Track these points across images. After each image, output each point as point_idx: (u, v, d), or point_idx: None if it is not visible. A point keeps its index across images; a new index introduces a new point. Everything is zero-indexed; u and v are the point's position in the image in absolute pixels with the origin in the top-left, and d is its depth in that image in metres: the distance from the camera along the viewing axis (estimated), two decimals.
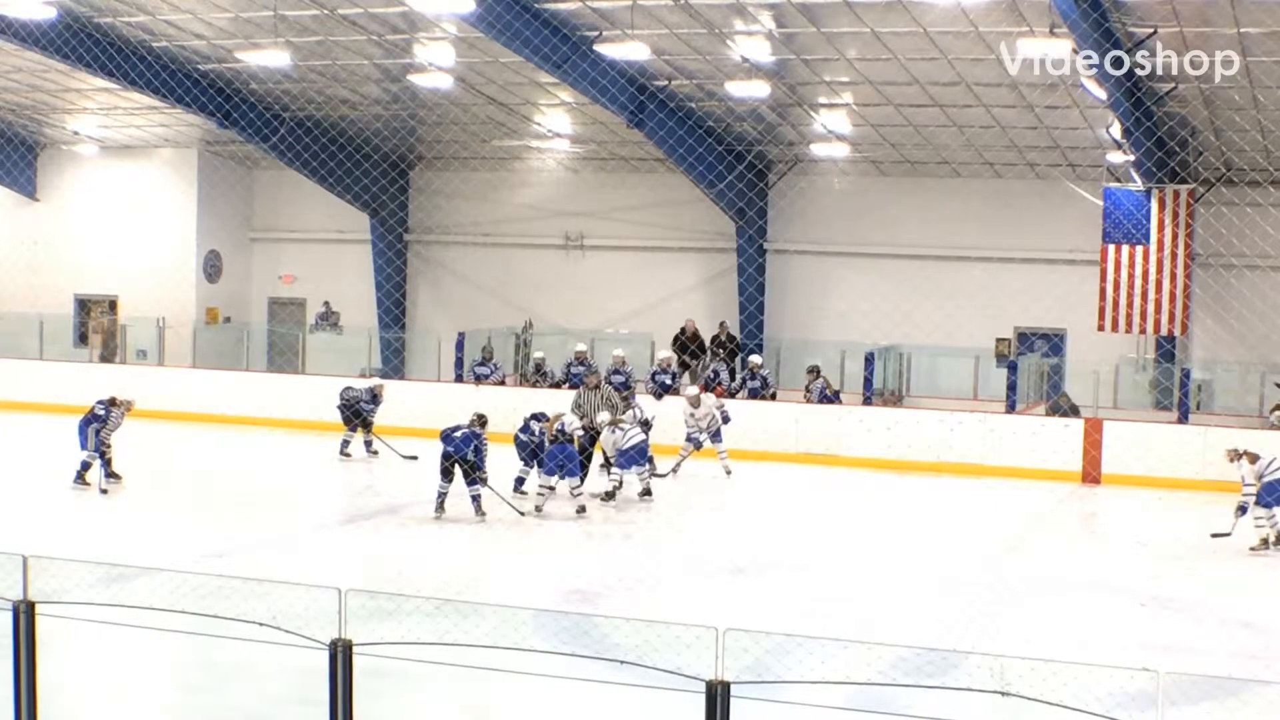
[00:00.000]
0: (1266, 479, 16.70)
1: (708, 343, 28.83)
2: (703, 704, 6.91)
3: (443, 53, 26.14)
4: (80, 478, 18.85)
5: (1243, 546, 16.82)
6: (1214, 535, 17.20)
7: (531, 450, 18.70)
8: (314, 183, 33.10)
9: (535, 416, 18.89)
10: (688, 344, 28.94)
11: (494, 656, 8.00)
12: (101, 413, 18.93)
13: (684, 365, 27.58)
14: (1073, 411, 24.92)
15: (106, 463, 18.86)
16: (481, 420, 17.83)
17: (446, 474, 17.44)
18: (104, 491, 18.60)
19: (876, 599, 14.21)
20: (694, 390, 22.20)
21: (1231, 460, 17.10)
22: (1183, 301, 27.09)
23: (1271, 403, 26.07)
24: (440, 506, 17.49)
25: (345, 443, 22.77)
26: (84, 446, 18.90)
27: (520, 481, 18.82)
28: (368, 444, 22.90)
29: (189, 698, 10.49)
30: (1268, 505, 16.74)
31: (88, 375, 27.90)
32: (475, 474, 17.36)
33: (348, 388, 23.12)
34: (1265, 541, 16.73)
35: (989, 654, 9.57)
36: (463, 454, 17.28)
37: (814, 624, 12.11)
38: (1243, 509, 16.85)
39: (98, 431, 18.78)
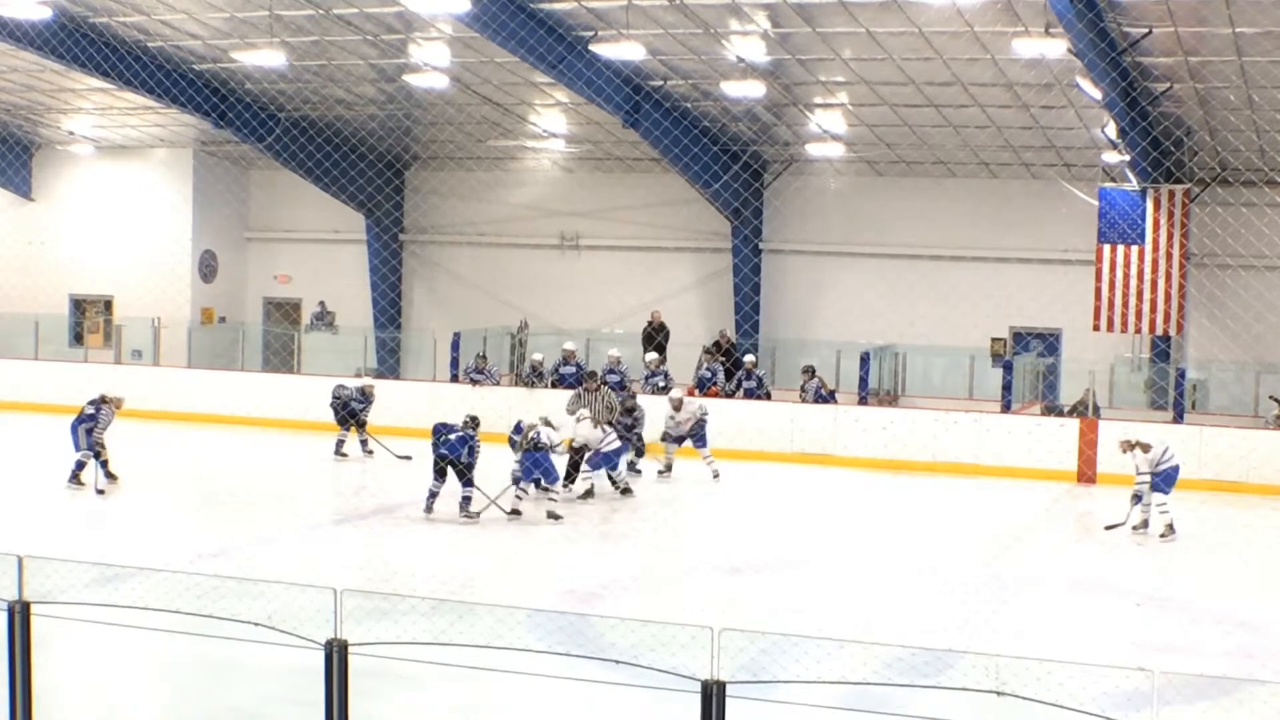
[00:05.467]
0: (1163, 467, 17.38)
1: (705, 348, 28.83)
2: (698, 704, 6.92)
3: (438, 53, 26.16)
4: (75, 478, 18.83)
5: (1242, 546, 16.88)
6: (1108, 528, 17.62)
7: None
8: (309, 183, 33.11)
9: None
10: (654, 334, 29.06)
11: (489, 656, 7.99)
12: (92, 412, 18.92)
13: (659, 349, 27.71)
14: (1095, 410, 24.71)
15: (103, 463, 18.84)
16: (474, 422, 17.79)
17: (440, 474, 17.45)
18: (100, 491, 18.57)
19: (872, 599, 14.21)
20: (678, 393, 22.26)
21: (1125, 451, 17.59)
22: (1178, 301, 27.10)
23: (1267, 402, 26.10)
24: (430, 507, 17.48)
25: (340, 442, 22.78)
26: (77, 447, 18.88)
27: (517, 481, 18.82)
28: (363, 443, 22.91)
29: (184, 697, 10.49)
30: (1165, 491, 17.36)
31: (83, 375, 27.88)
32: (469, 474, 17.36)
33: (339, 386, 23.16)
34: (1168, 527, 17.23)
35: (984, 653, 9.57)
36: (457, 455, 17.29)
37: (809, 624, 12.11)
38: (1137, 497, 17.43)
39: (89, 431, 18.76)
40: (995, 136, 27.64)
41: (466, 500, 17.36)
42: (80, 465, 18.87)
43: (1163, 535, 17.24)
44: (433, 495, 17.53)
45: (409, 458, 21.53)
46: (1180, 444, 21.78)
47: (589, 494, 19.13)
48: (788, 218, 31.91)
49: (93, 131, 34.61)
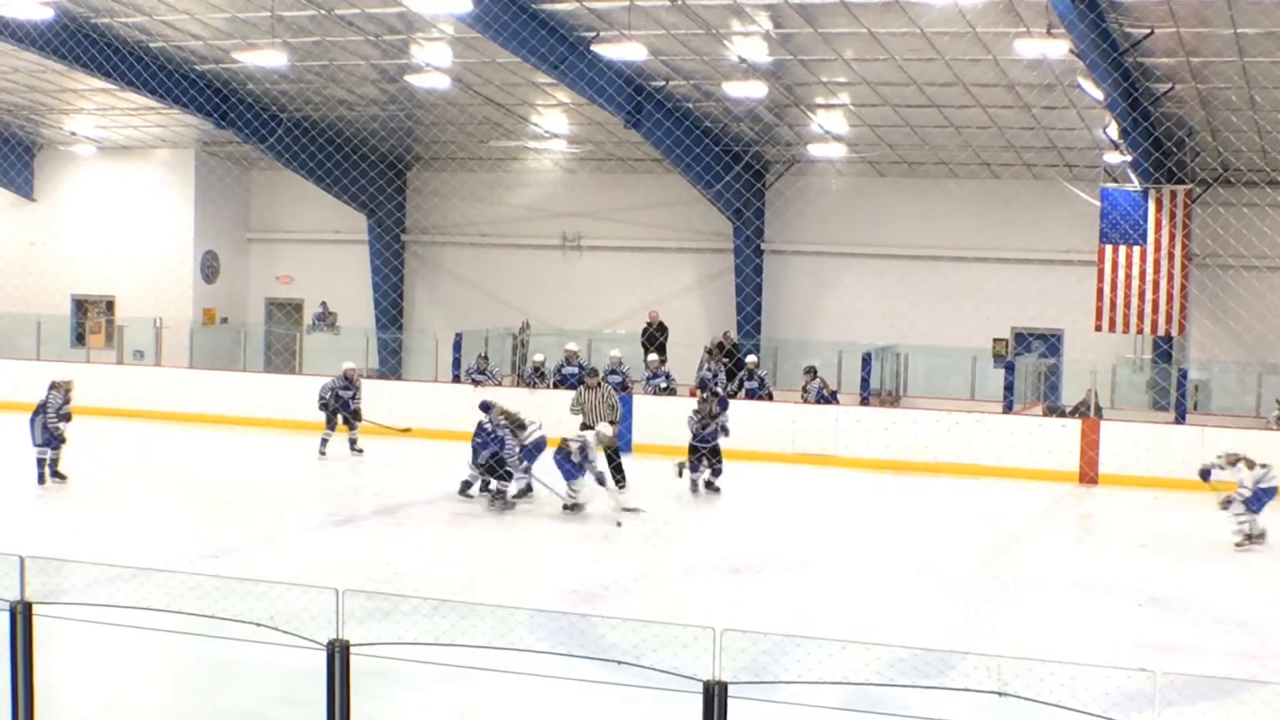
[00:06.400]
0: (1262, 485, 17.13)
1: (707, 348, 28.85)
2: (700, 704, 6.92)
3: (440, 53, 26.16)
4: (42, 478, 18.89)
5: (1240, 550, 16.88)
6: (1239, 545, 17.24)
7: (476, 450, 18.95)
8: (311, 183, 33.12)
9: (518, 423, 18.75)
10: (655, 335, 29.09)
11: (491, 657, 8.00)
12: (43, 399, 19.05)
13: (660, 349, 27.81)
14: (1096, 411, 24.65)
15: (52, 460, 18.92)
16: (506, 418, 18.05)
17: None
18: (41, 482, 18.86)
19: (873, 599, 14.21)
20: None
21: (1230, 464, 17.28)
22: (1180, 302, 27.10)
23: (1269, 403, 26.10)
24: (474, 490, 18.17)
25: (324, 441, 22.73)
26: (35, 443, 19.02)
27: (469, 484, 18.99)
28: (352, 442, 22.86)
29: (186, 698, 10.49)
30: (1255, 511, 17.13)
31: (85, 375, 27.89)
32: (499, 470, 17.90)
33: (322, 387, 23.09)
34: (1249, 538, 17.09)
35: (986, 654, 9.57)
36: (483, 454, 17.57)
37: (811, 624, 12.10)
38: (1228, 502, 17.19)
39: (44, 424, 18.85)
40: (997, 137, 27.63)
41: (498, 494, 17.59)
42: (41, 463, 18.98)
43: (1239, 545, 16.99)
44: (466, 484, 18.10)
45: (408, 430, 21.59)
46: (1182, 445, 21.90)
47: (523, 493, 18.87)
48: (789, 218, 31.91)
49: (95, 132, 34.62)
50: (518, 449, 18.25)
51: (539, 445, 18.93)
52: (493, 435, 18.13)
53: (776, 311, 32.07)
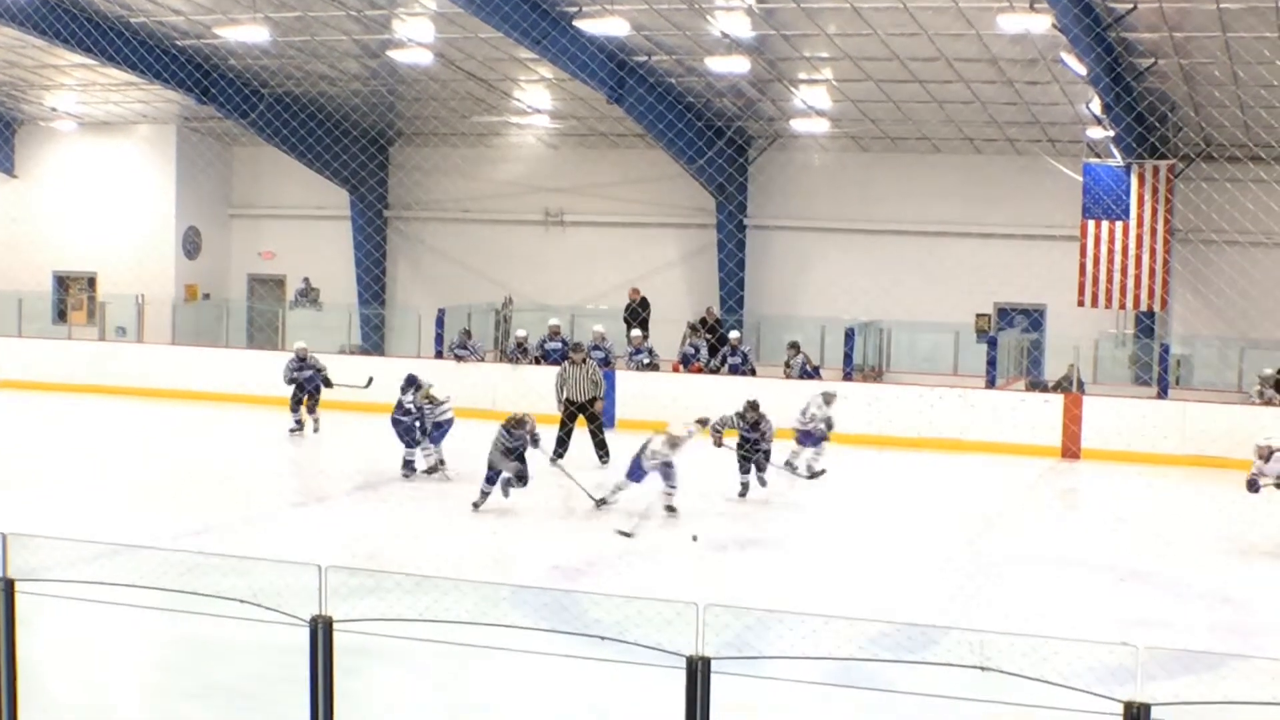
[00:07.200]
0: None
1: (690, 324, 28.86)
2: (683, 679, 6.92)
3: (422, 28, 26.05)
4: None
5: (1222, 524, 16.92)
6: None
7: (408, 428, 18.80)
8: (293, 159, 32.99)
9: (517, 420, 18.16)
10: (638, 310, 29.10)
11: (474, 633, 7.99)
12: None
13: (643, 325, 27.87)
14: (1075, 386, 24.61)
15: None
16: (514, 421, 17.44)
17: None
18: None
19: (857, 575, 14.24)
20: (833, 389, 21.07)
21: (1263, 458, 16.91)
22: (1162, 277, 27.15)
23: (1250, 378, 26.16)
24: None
25: (299, 423, 22.69)
26: None
27: (408, 463, 18.88)
28: (315, 421, 22.69)
29: (169, 675, 10.49)
30: None
31: (66, 352, 27.87)
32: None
33: (284, 368, 22.89)
34: None
35: (969, 629, 9.59)
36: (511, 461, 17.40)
37: (794, 600, 12.13)
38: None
39: None
40: (980, 112, 27.63)
41: (504, 481, 17.25)
42: None
43: None
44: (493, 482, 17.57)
45: (371, 379, 21.90)
46: (1164, 420, 21.98)
47: (433, 469, 18.82)
48: (772, 194, 31.88)
49: (76, 108, 34.44)
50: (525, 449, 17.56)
51: (451, 422, 18.83)
52: (417, 416, 18.38)
53: (759, 287, 32.06)
